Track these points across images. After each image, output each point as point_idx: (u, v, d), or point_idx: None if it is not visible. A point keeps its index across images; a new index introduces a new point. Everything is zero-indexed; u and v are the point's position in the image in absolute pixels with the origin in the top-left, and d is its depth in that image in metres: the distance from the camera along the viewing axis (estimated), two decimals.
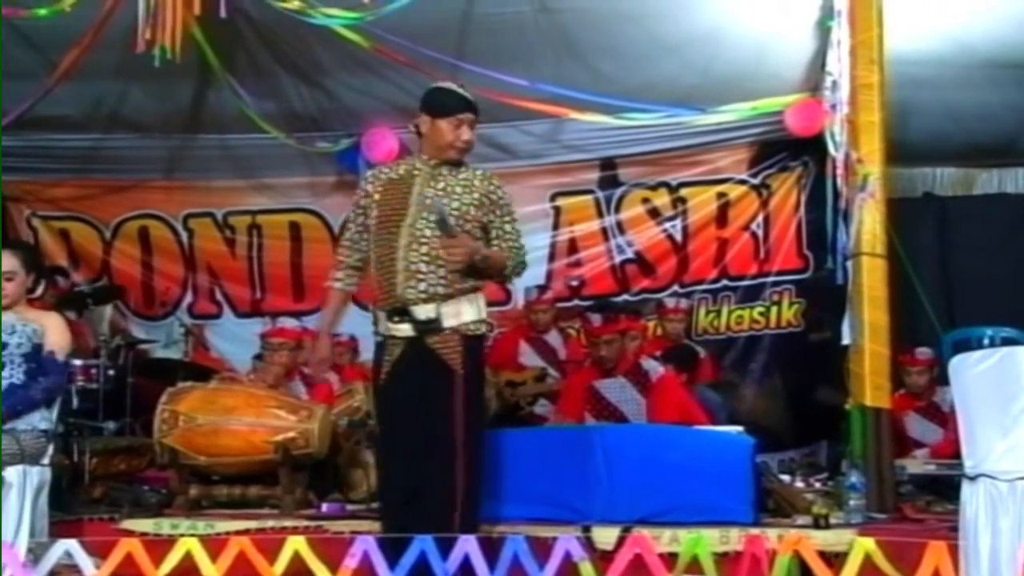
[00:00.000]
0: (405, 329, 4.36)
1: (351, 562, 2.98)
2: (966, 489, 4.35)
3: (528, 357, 7.53)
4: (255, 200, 8.54)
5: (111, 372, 6.67)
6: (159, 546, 3.04)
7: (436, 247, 4.31)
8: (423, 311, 4.31)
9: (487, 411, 4.52)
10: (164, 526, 5.22)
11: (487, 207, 4.43)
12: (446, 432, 4.25)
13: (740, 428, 5.83)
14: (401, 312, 4.35)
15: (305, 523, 5.25)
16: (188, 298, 8.59)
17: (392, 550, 3.09)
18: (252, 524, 5.19)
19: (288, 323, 6.94)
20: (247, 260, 8.58)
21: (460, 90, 4.52)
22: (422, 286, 4.31)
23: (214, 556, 2.96)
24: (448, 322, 4.33)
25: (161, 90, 7.10)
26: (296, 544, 2.97)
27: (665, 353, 7.16)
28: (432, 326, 4.32)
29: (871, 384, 5.54)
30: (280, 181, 8.45)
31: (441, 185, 4.41)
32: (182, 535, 3.57)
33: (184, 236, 8.60)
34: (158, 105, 7.39)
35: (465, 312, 4.37)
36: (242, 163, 8.19)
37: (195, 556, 2.90)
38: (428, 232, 4.31)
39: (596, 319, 6.75)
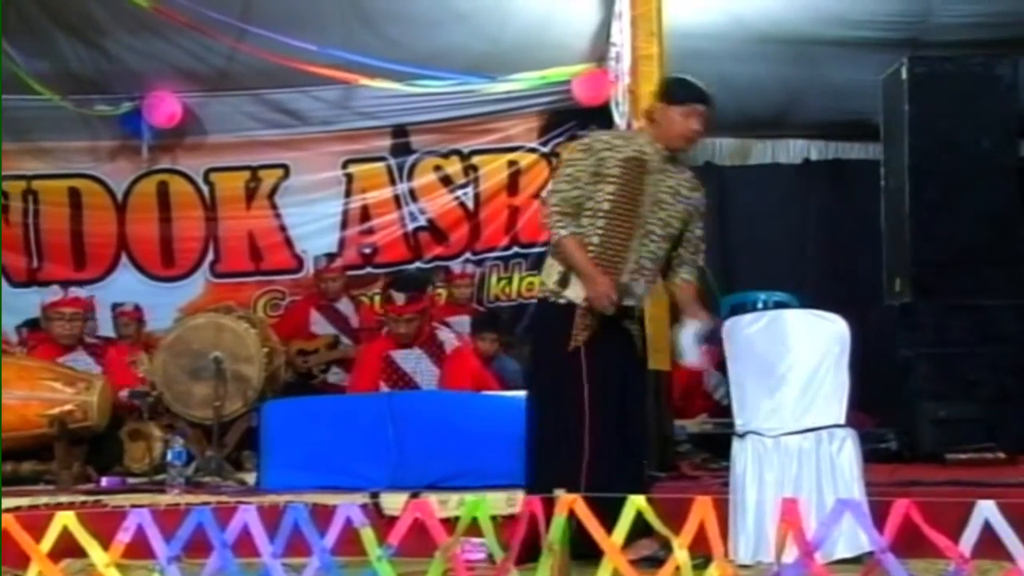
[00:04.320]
0: (605, 308, 4.37)
1: (124, 536, 2.90)
2: (736, 445, 4.57)
3: (319, 325, 7.47)
4: (30, 165, 8.15)
5: None
6: None
7: (661, 245, 4.44)
8: (632, 298, 4.43)
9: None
10: None
11: (692, 213, 4.53)
12: (639, 410, 4.50)
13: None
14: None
15: (83, 498, 5.08)
16: None
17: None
18: (24, 501, 4.97)
19: (75, 291, 6.66)
20: (22, 227, 8.20)
21: (698, 83, 4.57)
22: (642, 281, 4.41)
23: None
24: (638, 311, 4.51)
25: None
26: (65, 519, 2.87)
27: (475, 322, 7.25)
28: (630, 313, 4.45)
29: (652, 347, 5.70)
30: (58, 145, 8.10)
31: (671, 183, 4.46)
32: None
33: None
34: None
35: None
36: (15, 126, 7.75)
37: None
38: (658, 231, 4.42)
39: (400, 298, 6.74)
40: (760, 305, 6.38)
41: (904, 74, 6.04)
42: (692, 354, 4.53)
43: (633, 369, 4.53)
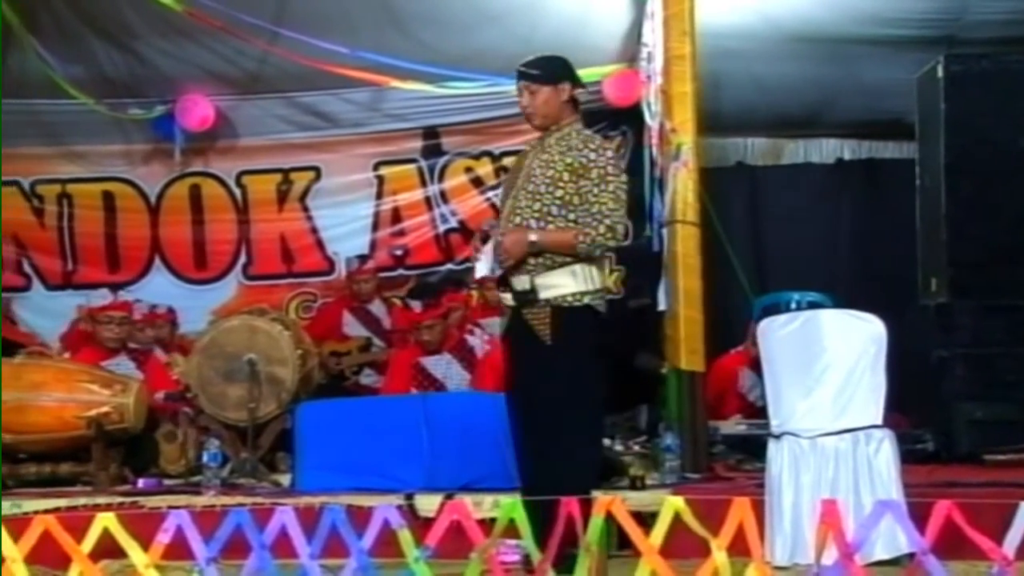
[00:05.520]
0: (508, 299, 4.45)
1: (164, 537, 2.91)
2: (772, 447, 4.55)
3: (352, 327, 7.49)
4: (65, 168, 8.20)
5: None
6: None
7: (527, 218, 4.40)
8: (519, 282, 4.39)
9: (588, 382, 4.44)
10: None
11: (577, 170, 4.40)
12: (541, 404, 4.35)
13: None
14: (504, 282, 4.44)
15: (120, 499, 5.14)
16: None
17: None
18: (63, 502, 5.04)
19: (124, 295, 6.78)
20: (57, 230, 8.23)
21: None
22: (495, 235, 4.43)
23: (18, 536, 2.85)
24: (543, 294, 4.37)
25: None
26: (106, 521, 2.87)
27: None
28: (528, 297, 4.38)
29: (686, 348, 5.71)
30: (92, 149, 8.13)
31: (545, 156, 4.48)
32: None
33: None
34: None
35: (563, 284, 4.38)
36: (50, 130, 7.86)
37: None
38: (524, 203, 4.43)
39: (416, 306, 6.76)
40: (793, 306, 6.34)
41: (940, 72, 6.00)
42: (483, 265, 4.47)
43: (534, 358, 4.40)
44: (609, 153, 4.54)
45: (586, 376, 4.42)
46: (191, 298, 8.03)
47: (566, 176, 4.40)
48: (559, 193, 4.40)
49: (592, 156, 4.43)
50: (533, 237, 4.35)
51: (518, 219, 4.43)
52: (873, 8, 6.73)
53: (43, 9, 6.47)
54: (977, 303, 5.96)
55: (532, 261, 4.37)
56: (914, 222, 6.43)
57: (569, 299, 4.38)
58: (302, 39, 6.59)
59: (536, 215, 4.41)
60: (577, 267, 4.39)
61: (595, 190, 4.39)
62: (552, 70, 4.57)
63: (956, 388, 5.95)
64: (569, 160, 4.41)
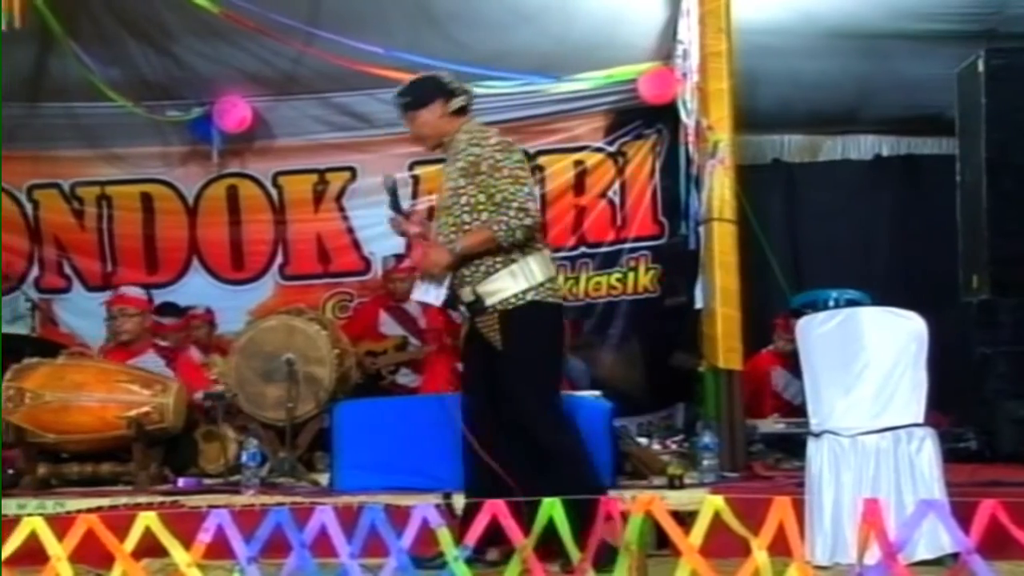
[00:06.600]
0: (463, 312, 4.52)
1: (205, 536, 2.94)
2: (811, 445, 4.51)
3: (388, 326, 7.50)
4: (104, 170, 8.28)
5: None
6: (3, 527, 2.95)
7: (447, 234, 4.44)
8: (464, 294, 4.45)
9: (546, 379, 4.45)
10: (10, 507, 5.07)
11: (469, 170, 4.43)
12: (504, 407, 4.38)
13: (598, 393, 5.91)
14: (454, 297, 4.49)
15: (160, 499, 5.17)
16: (34, 272, 8.30)
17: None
18: (104, 501, 5.07)
19: (137, 290, 6.78)
20: (97, 232, 8.33)
21: None
22: (459, 271, 4.43)
23: (61, 535, 2.88)
24: (489, 301, 4.41)
25: None
26: (148, 520, 2.91)
27: None
28: (476, 306, 4.43)
29: (723, 347, 5.68)
30: (130, 151, 8.21)
31: (448, 170, 4.53)
32: (29, 515, 3.45)
33: (29, 208, 8.30)
34: None
35: (505, 288, 4.41)
36: (89, 132, 7.95)
37: (40, 535, 2.81)
38: (441, 220, 4.49)
39: (459, 317, 6.74)
40: (832, 303, 6.30)
41: (980, 66, 5.95)
42: (418, 290, 4.55)
43: (490, 364, 4.43)
44: (493, 140, 4.49)
45: (543, 373, 4.45)
46: (228, 298, 8.09)
47: (462, 181, 4.44)
48: (463, 200, 4.44)
49: (476, 151, 4.45)
50: (457, 248, 4.41)
51: (441, 238, 4.49)
52: (911, 3, 6.67)
53: (82, 13, 6.52)
54: (1020, 300, 5.90)
55: (468, 271, 4.42)
56: (954, 218, 6.37)
57: (513, 300, 4.40)
58: (337, 40, 6.62)
59: (453, 228, 4.46)
60: (515, 267, 4.41)
61: (491, 180, 4.39)
62: (418, 94, 4.61)
63: (999, 386, 5.89)
64: (460, 164, 4.47)
